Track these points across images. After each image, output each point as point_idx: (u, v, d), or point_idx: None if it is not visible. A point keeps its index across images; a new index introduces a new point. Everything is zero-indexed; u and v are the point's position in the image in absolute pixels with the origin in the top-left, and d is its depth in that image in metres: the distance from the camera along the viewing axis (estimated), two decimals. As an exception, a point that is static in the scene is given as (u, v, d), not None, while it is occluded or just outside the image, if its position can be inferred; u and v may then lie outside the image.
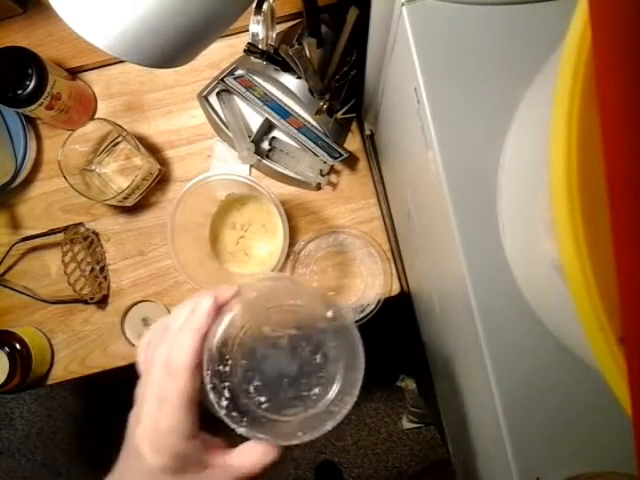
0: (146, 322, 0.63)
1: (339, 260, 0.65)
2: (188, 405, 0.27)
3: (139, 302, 0.64)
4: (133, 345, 0.63)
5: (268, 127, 0.62)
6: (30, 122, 0.64)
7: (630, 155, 0.20)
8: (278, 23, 0.59)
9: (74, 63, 0.64)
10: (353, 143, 0.65)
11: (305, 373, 0.28)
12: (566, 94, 0.21)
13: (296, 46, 0.47)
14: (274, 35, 0.51)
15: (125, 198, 0.60)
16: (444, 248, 0.38)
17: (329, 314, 0.29)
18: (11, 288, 0.63)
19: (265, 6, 0.47)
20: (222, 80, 0.59)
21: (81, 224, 0.64)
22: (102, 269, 0.64)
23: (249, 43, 0.48)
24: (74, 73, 0.65)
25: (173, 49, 0.32)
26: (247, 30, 0.52)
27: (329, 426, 0.27)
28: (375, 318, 0.62)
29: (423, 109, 0.33)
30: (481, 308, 0.33)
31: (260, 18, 0.47)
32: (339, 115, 0.57)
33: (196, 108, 0.65)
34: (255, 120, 0.62)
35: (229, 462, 0.28)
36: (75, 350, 0.65)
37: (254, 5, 0.47)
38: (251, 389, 0.28)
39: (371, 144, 0.64)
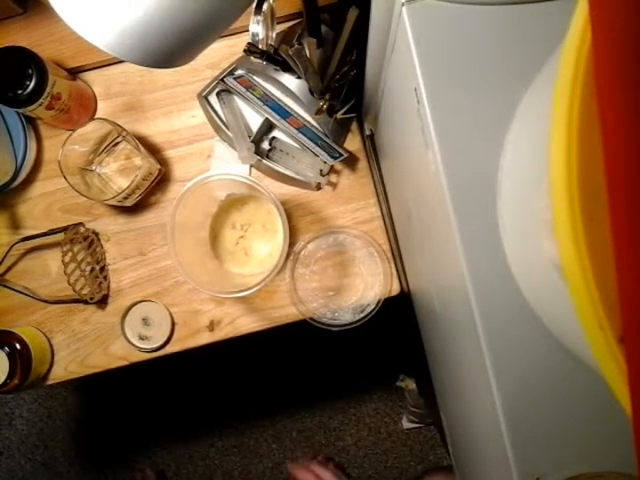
0: (146, 322, 0.63)
1: (339, 260, 0.65)
2: None
3: (139, 302, 0.64)
4: (133, 345, 0.63)
5: (268, 127, 0.62)
6: (30, 122, 0.64)
7: (630, 155, 0.20)
8: (278, 23, 0.59)
9: (74, 63, 0.64)
10: (353, 143, 0.65)
11: None
12: (566, 94, 0.21)
13: (296, 46, 0.47)
14: (274, 35, 0.51)
15: (125, 198, 0.60)
16: (444, 248, 0.38)
17: None
18: (11, 288, 0.63)
19: (265, 6, 0.47)
20: (222, 80, 0.59)
21: (81, 224, 0.64)
22: (102, 269, 0.64)
23: (249, 43, 0.48)
24: (74, 73, 0.65)
25: (173, 49, 0.32)
26: (247, 30, 0.52)
27: None
28: (375, 318, 0.62)
29: (423, 109, 0.33)
30: (481, 308, 0.33)
31: (260, 18, 0.47)
32: (339, 115, 0.57)
33: (196, 108, 0.65)
34: (255, 120, 0.62)
35: None
36: (75, 350, 0.65)
37: (254, 5, 0.47)
38: None
39: (371, 144, 0.64)
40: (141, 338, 0.63)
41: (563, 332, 0.31)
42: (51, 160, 0.65)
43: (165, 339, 0.63)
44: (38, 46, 0.62)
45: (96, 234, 0.65)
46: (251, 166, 0.64)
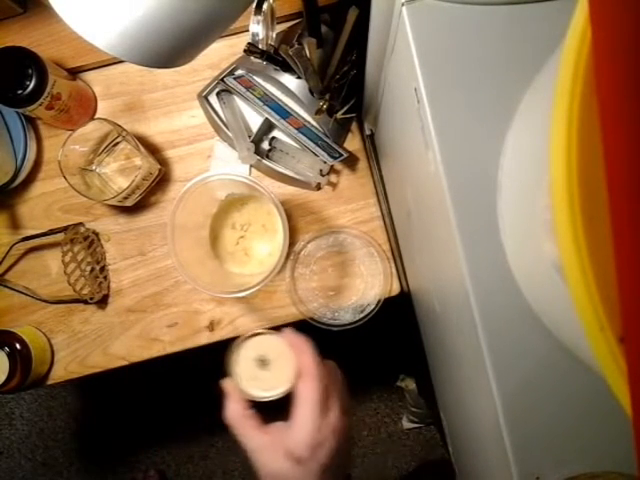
0: (263, 362, 0.43)
1: (339, 260, 0.65)
2: None
3: (253, 335, 0.44)
4: (251, 396, 0.42)
5: (268, 127, 0.62)
6: (30, 122, 0.64)
7: (630, 155, 0.20)
8: (278, 23, 0.59)
9: (74, 63, 0.64)
10: (353, 143, 0.65)
11: None
12: (566, 94, 0.21)
13: (296, 46, 0.47)
14: (274, 35, 0.51)
15: (125, 198, 0.60)
16: (444, 248, 0.38)
17: None
18: (11, 288, 0.63)
19: (265, 6, 0.47)
20: (222, 80, 0.59)
21: (81, 224, 0.64)
22: (102, 269, 0.64)
23: (249, 43, 0.48)
24: (74, 73, 0.65)
25: (173, 49, 0.32)
26: (247, 30, 0.52)
27: None
28: (375, 318, 0.62)
29: (423, 109, 0.33)
30: (481, 308, 0.33)
31: (260, 18, 0.47)
32: (339, 115, 0.57)
33: (196, 108, 0.65)
34: (255, 120, 0.62)
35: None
36: (75, 350, 0.65)
37: (254, 5, 0.47)
38: None
39: (371, 144, 0.64)
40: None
41: (563, 332, 0.31)
42: (51, 160, 0.65)
43: (290, 385, 0.41)
44: (38, 46, 0.62)
45: (96, 234, 0.65)
46: (251, 166, 0.64)
